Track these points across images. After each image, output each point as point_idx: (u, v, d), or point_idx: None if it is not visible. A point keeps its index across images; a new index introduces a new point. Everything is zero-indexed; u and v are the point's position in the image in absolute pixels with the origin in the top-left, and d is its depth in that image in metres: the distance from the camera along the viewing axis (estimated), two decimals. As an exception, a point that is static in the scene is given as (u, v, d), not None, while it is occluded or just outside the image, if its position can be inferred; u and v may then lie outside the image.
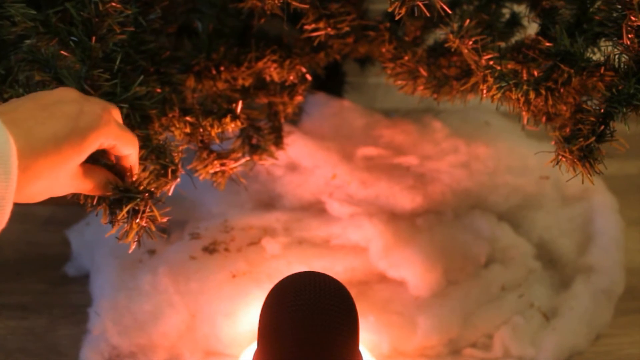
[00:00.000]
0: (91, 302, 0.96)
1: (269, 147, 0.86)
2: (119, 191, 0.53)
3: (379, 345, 0.90)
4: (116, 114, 0.53)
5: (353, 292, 0.58)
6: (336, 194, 1.04)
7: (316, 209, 1.04)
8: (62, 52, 0.58)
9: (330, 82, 1.18)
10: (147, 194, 0.54)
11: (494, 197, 1.08)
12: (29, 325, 0.97)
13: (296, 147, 1.04)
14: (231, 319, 0.89)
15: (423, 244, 0.98)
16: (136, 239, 0.55)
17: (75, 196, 0.56)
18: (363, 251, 0.98)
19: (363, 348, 0.81)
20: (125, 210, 0.53)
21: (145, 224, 0.55)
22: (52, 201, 0.49)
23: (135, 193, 0.54)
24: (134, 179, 0.55)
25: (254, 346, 0.62)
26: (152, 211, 0.55)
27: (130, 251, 0.56)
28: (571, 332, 0.94)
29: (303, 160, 1.05)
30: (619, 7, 0.60)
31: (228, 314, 0.89)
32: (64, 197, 0.51)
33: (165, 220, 0.57)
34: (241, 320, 0.89)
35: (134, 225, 0.54)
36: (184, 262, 0.94)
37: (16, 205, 0.42)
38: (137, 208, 0.54)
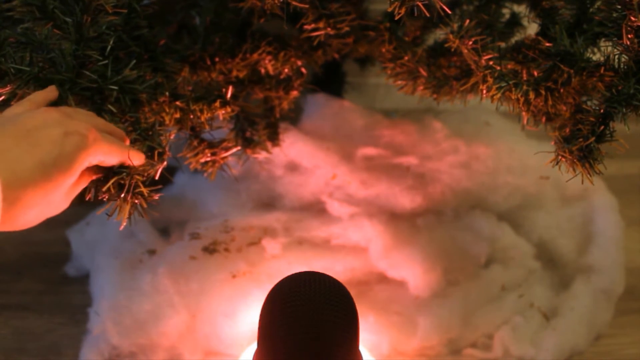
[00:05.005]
0: (91, 302, 0.96)
1: (263, 141, 0.86)
2: (102, 169, 0.52)
3: (379, 345, 0.90)
4: (101, 124, 0.51)
5: (353, 292, 0.58)
6: (336, 194, 1.04)
7: (316, 209, 1.04)
8: (55, 30, 0.57)
9: (330, 82, 1.18)
10: (131, 169, 0.53)
11: (494, 197, 1.08)
12: (29, 325, 0.97)
13: (296, 147, 1.04)
14: (231, 319, 0.89)
15: (423, 244, 0.98)
16: (126, 216, 0.54)
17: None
18: (363, 251, 0.98)
19: (363, 348, 0.81)
20: (109, 184, 0.52)
21: (136, 201, 0.54)
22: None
23: (120, 168, 0.53)
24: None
25: (254, 346, 0.62)
26: (139, 187, 0.53)
27: (121, 228, 0.55)
28: (571, 332, 0.94)
29: (303, 161, 1.05)
30: (619, 7, 0.60)
31: (228, 314, 0.89)
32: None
33: (156, 197, 0.55)
34: (241, 321, 0.89)
35: (120, 201, 0.53)
36: (184, 262, 0.94)
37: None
38: (122, 182, 0.52)
